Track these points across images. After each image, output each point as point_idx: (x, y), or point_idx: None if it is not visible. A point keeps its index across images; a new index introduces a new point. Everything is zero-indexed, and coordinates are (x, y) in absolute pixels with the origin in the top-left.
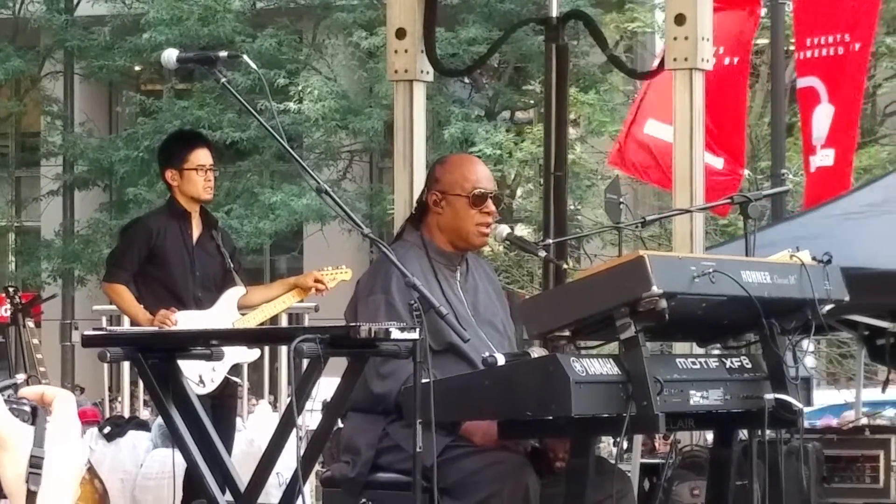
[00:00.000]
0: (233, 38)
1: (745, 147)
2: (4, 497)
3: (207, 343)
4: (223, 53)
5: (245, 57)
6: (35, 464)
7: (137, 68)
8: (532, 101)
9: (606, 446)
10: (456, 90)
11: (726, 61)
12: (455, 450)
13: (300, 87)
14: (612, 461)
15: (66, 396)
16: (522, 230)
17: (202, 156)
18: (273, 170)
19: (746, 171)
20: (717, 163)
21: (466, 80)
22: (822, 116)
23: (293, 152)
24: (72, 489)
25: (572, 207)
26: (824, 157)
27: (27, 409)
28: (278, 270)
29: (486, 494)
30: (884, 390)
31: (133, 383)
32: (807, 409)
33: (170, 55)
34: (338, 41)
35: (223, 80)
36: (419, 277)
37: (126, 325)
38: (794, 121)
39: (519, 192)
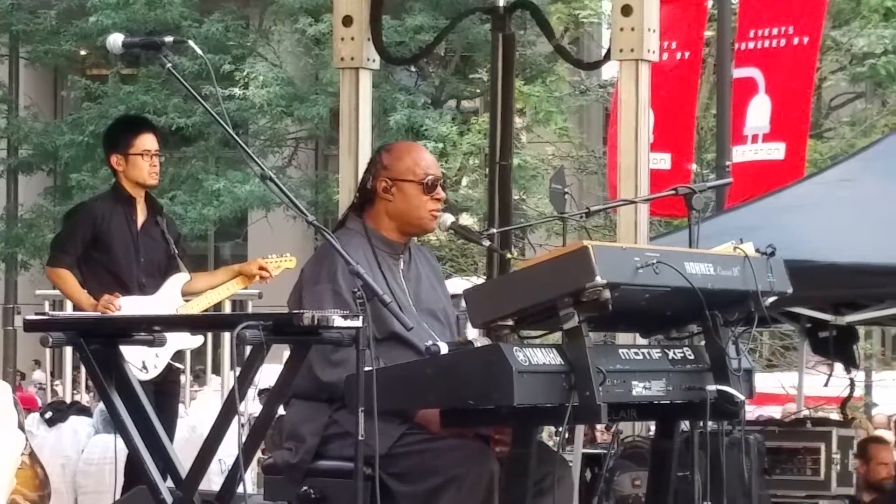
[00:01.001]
0: (179, 22)
1: (694, 141)
2: None
3: (150, 329)
4: (169, 39)
5: (191, 42)
6: None
7: (83, 53)
8: (478, 91)
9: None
10: (402, 78)
11: (678, 56)
12: (411, 437)
13: (246, 73)
14: (553, 448)
15: (1, 387)
16: (467, 220)
17: (148, 141)
18: (218, 156)
19: (694, 165)
20: (665, 161)
21: (413, 69)
22: (759, 107)
23: (238, 139)
24: (8, 477)
25: (517, 197)
26: (773, 151)
27: None
28: (223, 257)
29: (445, 479)
30: (826, 384)
31: (76, 368)
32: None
33: (115, 40)
34: (284, 27)
35: (168, 65)
36: (362, 266)
37: (69, 310)
38: None
39: (464, 181)
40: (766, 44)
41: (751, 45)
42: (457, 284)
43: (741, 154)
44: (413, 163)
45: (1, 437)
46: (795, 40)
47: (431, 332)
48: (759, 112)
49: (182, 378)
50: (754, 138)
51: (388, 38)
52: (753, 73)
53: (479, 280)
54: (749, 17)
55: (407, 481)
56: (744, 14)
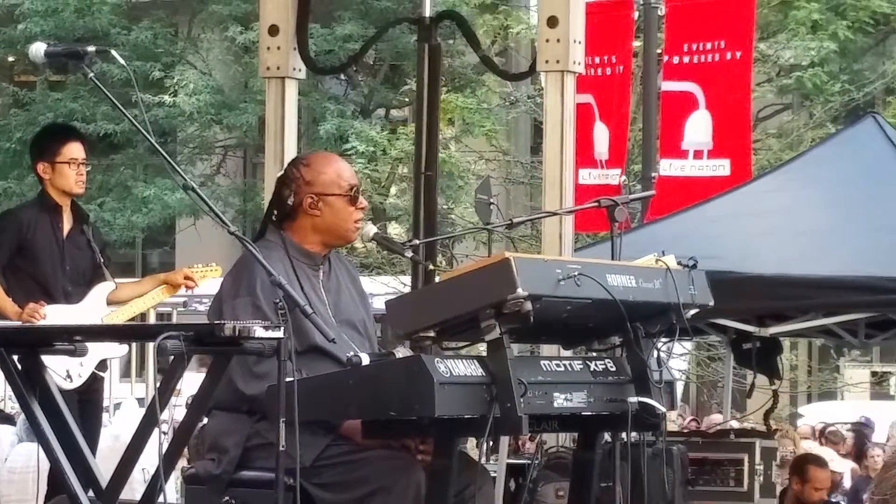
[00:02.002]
0: (108, 30)
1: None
2: None
3: (72, 339)
4: (91, 48)
5: (113, 52)
6: None
7: (11, 59)
8: (407, 100)
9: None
10: (331, 87)
11: (620, 70)
12: (337, 447)
13: (175, 81)
14: (476, 458)
15: None
16: (395, 228)
17: (75, 149)
18: (146, 164)
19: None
20: (725, 168)
21: (342, 77)
22: (699, 122)
23: (161, 149)
24: None
25: (445, 207)
26: (718, 167)
27: None
28: (150, 264)
29: (372, 489)
30: (749, 395)
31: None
32: None
33: (37, 49)
34: (213, 35)
35: (91, 75)
36: (282, 277)
37: None
38: None
39: (392, 190)
40: (702, 58)
41: (685, 59)
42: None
43: (679, 168)
44: (336, 175)
45: None
46: (728, 55)
47: (351, 344)
48: (699, 127)
49: (105, 387)
50: (697, 154)
51: (317, 46)
52: (691, 87)
53: (405, 278)
54: (679, 29)
55: (333, 491)
56: (672, 27)
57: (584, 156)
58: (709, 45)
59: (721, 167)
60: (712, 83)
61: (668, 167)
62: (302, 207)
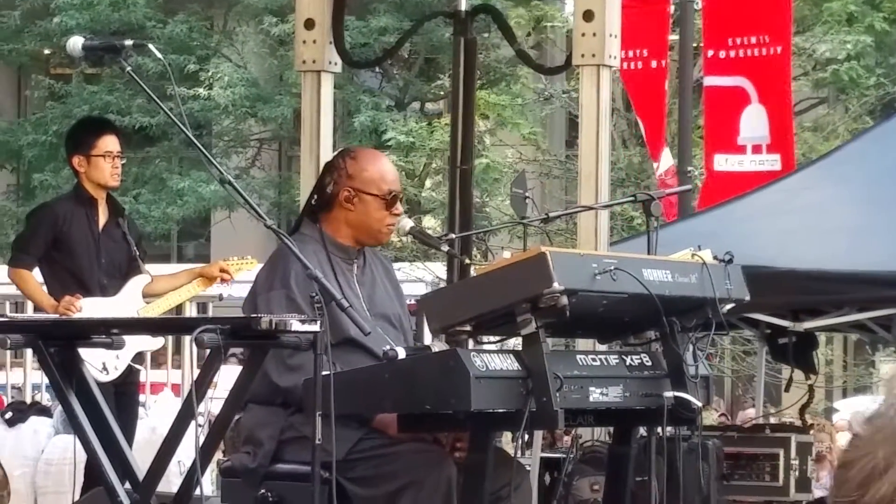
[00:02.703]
0: (144, 23)
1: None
2: None
3: (109, 331)
4: (129, 42)
5: (151, 45)
6: None
7: (47, 52)
8: (442, 93)
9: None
10: (366, 80)
11: (653, 64)
12: (369, 441)
13: (210, 74)
14: (511, 452)
15: None
16: (430, 221)
17: (110, 142)
18: (182, 156)
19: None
20: (776, 163)
21: (377, 70)
22: (755, 117)
23: (198, 142)
24: None
25: (479, 200)
26: (774, 162)
27: None
28: (185, 256)
29: (403, 483)
30: (786, 389)
31: (36, 367)
32: None
33: (75, 43)
34: (248, 28)
35: (128, 68)
36: (317, 271)
37: (30, 311)
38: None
39: (428, 183)
40: (748, 52)
41: (731, 53)
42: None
43: (737, 163)
44: (379, 176)
45: None
46: (772, 50)
47: (386, 337)
48: (755, 122)
49: (143, 379)
50: (756, 149)
51: (352, 39)
52: (740, 81)
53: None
54: (719, 23)
55: (365, 485)
56: (712, 20)
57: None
58: (753, 39)
59: (774, 162)
60: (761, 77)
61: (724, 162)
62: (338, 199)
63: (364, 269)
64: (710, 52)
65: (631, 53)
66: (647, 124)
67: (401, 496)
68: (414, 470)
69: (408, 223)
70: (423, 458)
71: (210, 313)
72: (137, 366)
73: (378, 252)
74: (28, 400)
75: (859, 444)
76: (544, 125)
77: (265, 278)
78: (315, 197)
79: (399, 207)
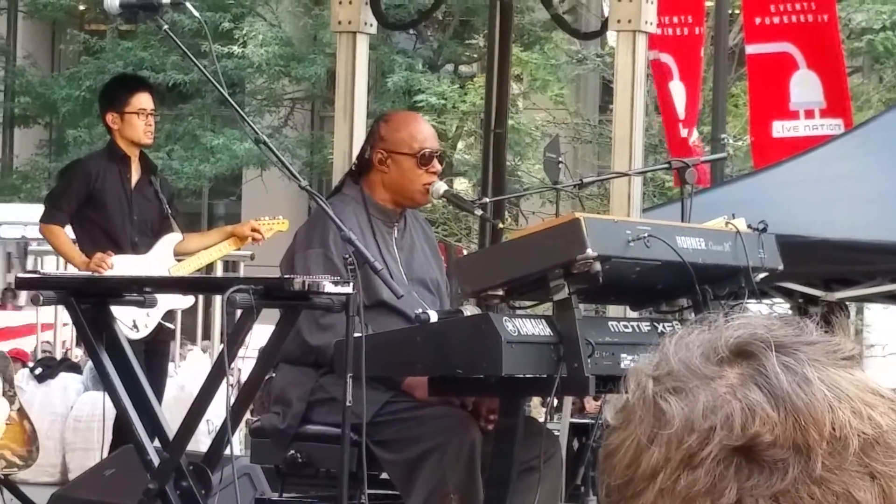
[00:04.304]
0: None
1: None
2: None
3: (141, 290)
4: (166, 0)
5: (188, 4)
6: None
7: (81, 8)
8: (476, 56)
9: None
10: (400, 41)
11: (696, 31)
12: (395, 404)
13: (245, 32)
14: (541, 420)
15: None
16: (462, 184)
17: (143, 100)
18: (214, 114)
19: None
20: (839, 127)
21: (411, 32)
22: (805, 82)
23: (233, 101)
24: None
25: (512, 163)
26: (834, 127)
27: None
28: (216, 215)
29: (427, 447)
30: None
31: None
32: None
33: (112, 0)
34: None
35: (165, 27)
36: (356, 232)
37: (62, 267)
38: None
39: (460, 145)
40: (793, 18)
41: (775, 19)
42: None
43: (793, 129)
44: (409, 136)
45: None
46: (819, 17)
47: (421, 301)
48: (806, 86)
49: (173, 336)
50: (808, 113)
51: (387, 0)
52: (786, 47)
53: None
54: None
55: (390, 450)
56: None
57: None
58: (798, 6)
59: (836, 126)
60: (809, 43)
61: (781, 129)
62: (374, 162)
63: (404, 232)
64: (755, 20)
65: (676, 20)
66: (688, 91)
67: (425, 460)
68: (438, 434)
69: (441, 186)
70: (448, 423)
71: (241, 273)
72: (168, 324)
73: (419, 216)
74: (58, 355)
75: (616, 434)
76: (577, 89)
77: (304, 237)
78: (356, 164)
79: (436, 165)
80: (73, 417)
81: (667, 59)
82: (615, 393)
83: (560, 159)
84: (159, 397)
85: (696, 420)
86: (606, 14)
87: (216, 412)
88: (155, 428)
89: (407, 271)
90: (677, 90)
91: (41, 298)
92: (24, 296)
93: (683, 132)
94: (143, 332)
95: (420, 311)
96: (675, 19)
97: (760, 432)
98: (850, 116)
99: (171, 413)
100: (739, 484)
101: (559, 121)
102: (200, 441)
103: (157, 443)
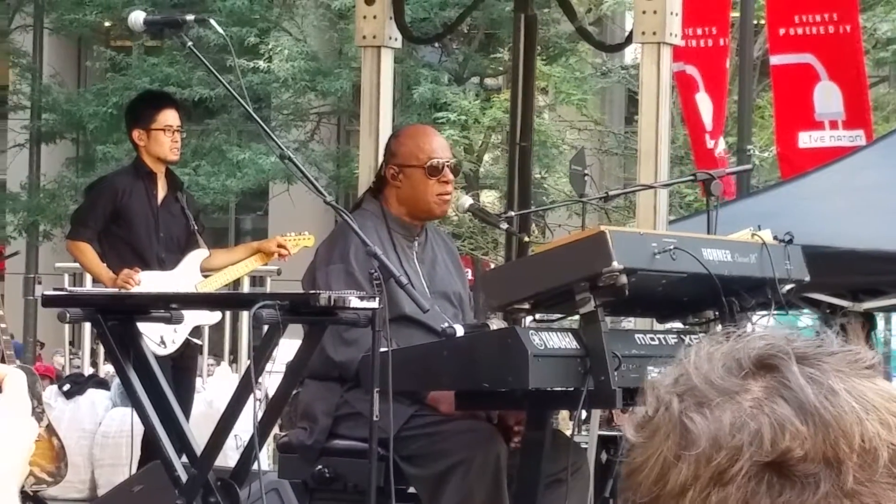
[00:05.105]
0: None
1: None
2: None
3: (167, 306)
4: (190, 17)
5: (212, 21)
6: None
7: (107, 24)
8: (501, 68)
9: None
10: (426, 54)
11: (721, 42)
12: (420, 419)
13: (270, 47)
14: (569, 434)
15: (16, 375)
16: (489, 196)
17: (170, 116)
18: (241, 129)
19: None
20: (861, 138)
21: (436, 45)
22: (827, 92)
23: (257, 117)
24: (20, 467)
25: (538, 176)
26: (856, 138)
27: None
28: (243, 229)
29: (453, 462)
30: None
31: (95, 340)
32: None
33: (137, 18)
34: (308, 1)
35: (189, 44)
36: (377, 247)
37: (89, 283)
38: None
39: (486, 158)
40: (814, 30)
41: (798, 30)
42: None
43: (819, 139)
44: (416, 148)
45: (15, 424)
46: (841, 28)
47: (444, 316)
48: (828, 98)
49: (199, 353)
50: (832, 124)
51: (412, 13)
52: (808, 59)
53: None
54: (787, 1)
55: (416, 464)
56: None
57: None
58: (818, 17)
59: (858, 137)
60: (830, 54)
61: (808, 139)
62: (387, 178)
63: (425, 246)
64: (779, 31)
65: (700, 31)
66: (714, 103)
67: (451, 475)
68: (464, 448)
69: (467, 200)
70: (473, 437)
71: (268, 288)
72: (195, 339)
73: (440, 230)
74: (86, 371)
75: (640, 450)
76: (602, 101)
77: (325, 252)
78: (374, 181)
79: (447, 175)
80: (101, 434)
81: (692, 70)
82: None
83: (586, 172)
84: (187, 413)
85: (723, 437)
86: (631, 26)
87: (244, 427)
88: (182, 444)
89: (430, 284)
90: (703, 102)
91: (68, 316)
92: None
93: (710, 143)
94: (171, 349)
95: (446, 325)
96: (700, 31)
97: (791, 447)
98: (871, 127)
99: (199, 429)
100: (772, 500)
101: (584, 132)
102: (228, 456)
103: (184, 458)
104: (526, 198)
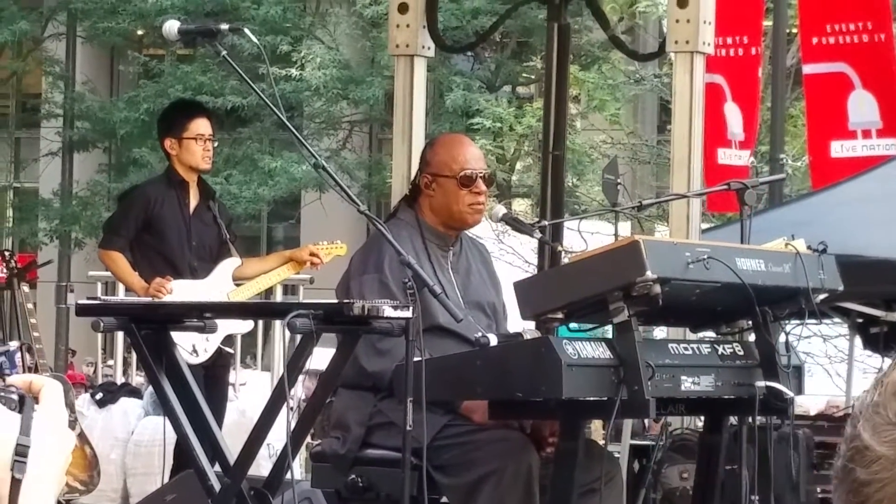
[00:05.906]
0: (238, 4)
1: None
2: None
3: (201, 315)
4: (224, 26)
5: (246, 30)
6: (20, 452)
7: (140, 32)
8: (534, 77)
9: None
10: (458, 62)
11: (753, 51)
12: (453, 428)
13: (302, 55)
14: (602, 443)
15: (53, 385)
16: (521, 205)
17: (202, 125)
18: (273, 137)
19: (752, 159)
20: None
21: (469, 53)
22: (861, 103)
23: (291, 125)
24: (58, 478)
25: (570, 184)
26: (891, 147)
27: (14, 397)
28: (275, 238)
29: (485, 471)
30: None
31: (127, 349)
32: None
33: (171, 27)
34: (341, 10)
35: (223, 53)
36: (411, 256)
37: (122, 292)
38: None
39: (518, 166)
40: (848, 39)
41: (831, 39)
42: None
43: (851, 149)
44: (450, 158)
45: (54, 435)
46: (876, 37)
47: (477, 326)
48: (862, 107)
49: (233, 361)
50: (865, 133)
51: (444, 21)
52: (842, 67)
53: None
54: (817, 10)
55: (448, 474)
56: (809, 7)
57: (718, 136)
58: (852, 26)
59: (893, 146)
60: (864, 63)
61: (840, 149)
62: (421, 187)
63: (460, 255)
64: (815, 40)
65: (730, 40)
66: (744, 112)
67: (483, 484)
68: (496, 458)
69: (500, 209)
70: (505, 447)
71: (301, 297)
72: (227, 348)
73: (476, 240)
74: (119, 380)
75: (884, 464)
76: (635, 109)
77: (359, 262)
78: (410, 190)
79: (480, 185)
80: (133, 442)
81: (718, 80)
82: (675, 415)
83: (619, 181)
84: (219, 422)
85: None
86: (664, 35)
87: (276, 435)
88: (215, 453)
89: (464, 294)
90: (731, 111)
91: (102, 325)
92: None
93: (721, 158)
94: (203, 357)
95: (480, 334)
96: (730, 40)
97: None
98: None
99: (232, 438)
100: None
101: (617, 141)
102: (262, 465)
103: (217, 468)
104: (559, 207)
